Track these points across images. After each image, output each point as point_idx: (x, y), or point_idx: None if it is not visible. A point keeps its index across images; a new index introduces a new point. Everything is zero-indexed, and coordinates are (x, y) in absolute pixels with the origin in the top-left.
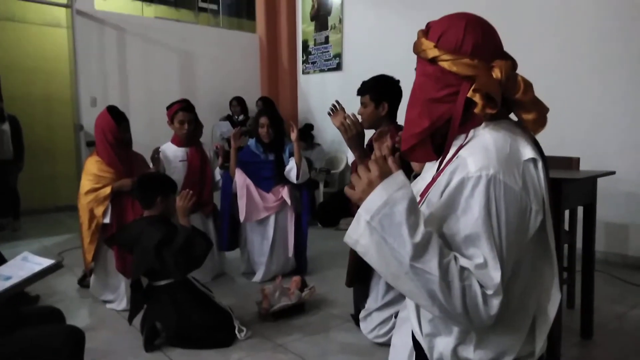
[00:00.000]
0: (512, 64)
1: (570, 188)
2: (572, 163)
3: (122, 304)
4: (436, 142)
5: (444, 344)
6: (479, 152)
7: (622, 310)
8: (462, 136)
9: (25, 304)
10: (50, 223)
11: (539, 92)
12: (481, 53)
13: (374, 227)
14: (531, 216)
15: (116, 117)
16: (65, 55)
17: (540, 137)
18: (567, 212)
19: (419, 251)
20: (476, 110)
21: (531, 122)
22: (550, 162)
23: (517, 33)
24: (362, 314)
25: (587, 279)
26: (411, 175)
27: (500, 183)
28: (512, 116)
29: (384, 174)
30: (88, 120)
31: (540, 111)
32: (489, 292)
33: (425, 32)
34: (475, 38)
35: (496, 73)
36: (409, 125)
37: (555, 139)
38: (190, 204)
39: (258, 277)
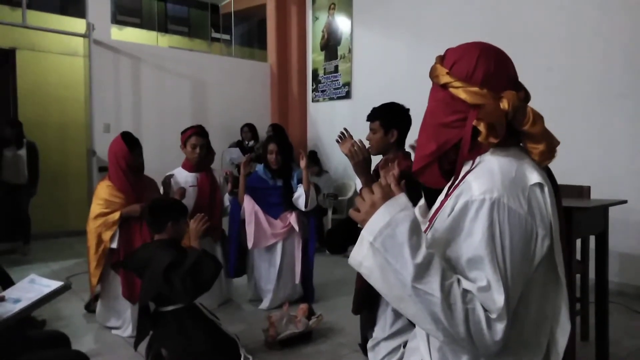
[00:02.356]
0: (525, 95)
1: (581, 217)
2: (582, 192)
3: (127, 330)
4: (444, 168)
5: None
6: (483, 176)
7: (638, 343)
8: (470, 162)
9: (31, 328)
10: (59, 247)
11: (548, 120)
12: (491, 83)
13: (377, 248)
14: (537, 241)
15: (129, 143)
16: (82, 83)
17: (550, 165)
18: (579, 242)
19: (421, 272)
20: (480, 139)
21: (538, 153)
22: (560, 191)
23: (525, 61)
24: (369, 344)
25: (601, 310)
26: (420, 199)
27: (504, 206)
28: None
29: (387, 196)
30: (101, 146)
31: (550, 144)
32: (493, 315)
33: (442, 59)
34: (487, 68)
35: (504, 104)
36: (419, 147)
37: (565, 168)
38: (203, 227)
39: (265, 304)
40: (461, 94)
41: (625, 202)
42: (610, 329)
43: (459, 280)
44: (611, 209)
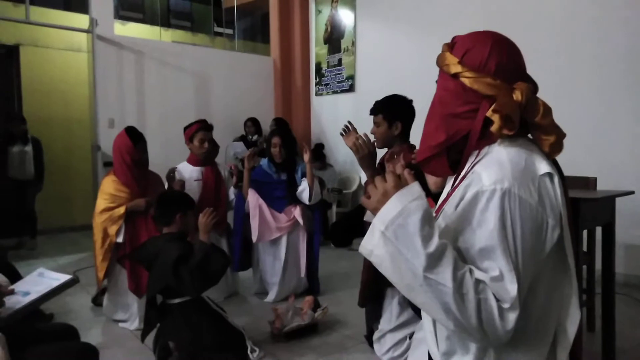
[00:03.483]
0: (534, 87)
1: (587, 208)
2: (589, 183)
3: (134, 323)
4: (452, 158)
5: None
6: (493, 166)
7: None
8: (477, 152)
9: (40, 322)
10: (66, 242)
11: (554, 110)
12: (504, 74)
13: (389, 237)
14: (548, 230)
15: (133, 138)
16: (85, 79)
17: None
18: (585, 233)
19: (433, 262)
20: (492, 129)
21: (549, 145)
22: (567, 182)
23: (527, 52)
24: (375, 335)
25: (608, 301)
26: (428, 193)
27: (515, 196)
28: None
29: (400, 184)
30: (105, 141)
31: (558, 135)
32: (505, 305)
33: (451, 47)
34: (500, 58)
35: (517, 95)
36: (425, 137)
37: (570, 159)
38: (213, 221)
39: (271, 297)
40: (474, 84)
41: (632, 192)
42: (617, 320)
43: (471, 270)
44: (618, 200)
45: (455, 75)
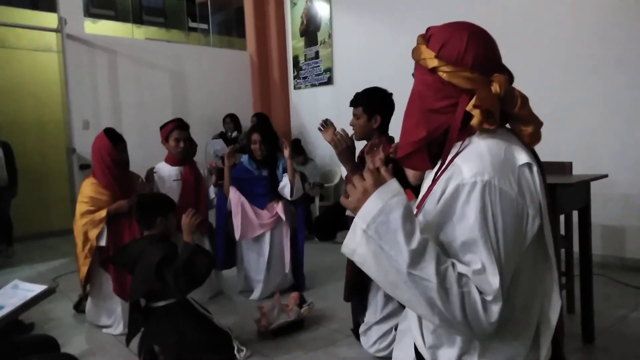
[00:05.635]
0: (510, 77)
1: (564, 193)
2: (565, 168)
3: (118, 328)
4: (432, 152)
5: (447, 355)
6: (473, 158)
7: (622, 313)
8: (457, 144)
9: (19, 332)
10: (44, 248)
11: (529, 96)
12: (481, 66)
13: (371, 235)
14: (528, 221)
15: (113, 139)
16: (57, 80)
17: None
18: (562, 217)
19: (416, 258)
20: (473, 124)
21: (528, 135)
22: (544, 169)
23: (506, 37)
24: (361, 328)
25: (586, 282)
26: (407, 186)
27: (495, 188)
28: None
29: (379, 182)
30: (81, 144)
31: (536, 125)
32: (488, 298)
33: (426, 39)
34: (477, 51)
35: (495, 88)
36: (406, 133)
37: (546, 145)
38: (196, 222)
39: (256, 294)
40: (452, 78)
41: (606, 176)
42: (595, 300)
43: (453, 264)
44: (593, 184)
45: (433, 70)
